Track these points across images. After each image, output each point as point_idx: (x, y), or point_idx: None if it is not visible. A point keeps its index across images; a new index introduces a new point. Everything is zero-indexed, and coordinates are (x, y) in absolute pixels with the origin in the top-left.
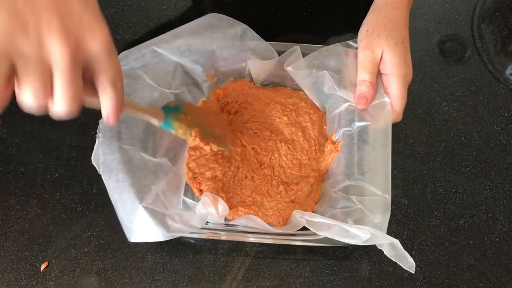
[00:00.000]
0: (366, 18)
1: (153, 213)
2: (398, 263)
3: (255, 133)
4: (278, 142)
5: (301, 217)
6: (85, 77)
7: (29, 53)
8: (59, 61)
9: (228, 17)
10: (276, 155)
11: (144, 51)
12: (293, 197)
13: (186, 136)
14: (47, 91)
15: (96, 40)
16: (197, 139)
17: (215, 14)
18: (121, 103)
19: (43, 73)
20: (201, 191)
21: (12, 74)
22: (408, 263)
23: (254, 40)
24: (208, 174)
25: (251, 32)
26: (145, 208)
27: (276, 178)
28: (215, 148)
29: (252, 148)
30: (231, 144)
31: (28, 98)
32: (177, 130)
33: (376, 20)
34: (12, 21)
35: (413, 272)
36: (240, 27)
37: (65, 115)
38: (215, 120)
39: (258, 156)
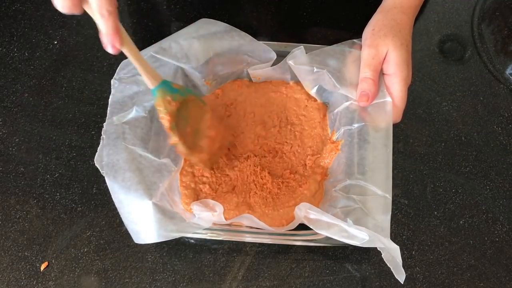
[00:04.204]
0: (372, 19)
1: (163, 210)
2: (391, 269)
3: (259, 128)
4: (281, 137)
5: (305, 212)
6: None
7: None
8: None
9: (225, 24)
10: (279, 151)
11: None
12: (298, 199)
13: (160, 113)
14: None
15: None
16: (168, 123)
17: (211, 20)
18: (114, 26)
19: None
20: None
21: None
22: (399, 273)
23: (251, 43)
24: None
25: (247, 37)
26: (155, 204)
27: (280, 176)
28: (179, 146)
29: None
30: (205, 162)
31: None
32: (158, 103)
33: (383, 21)
34: None
35: (402, 282)
36: (236, 32)
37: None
38: (213, 134)
39: (262, 152)
